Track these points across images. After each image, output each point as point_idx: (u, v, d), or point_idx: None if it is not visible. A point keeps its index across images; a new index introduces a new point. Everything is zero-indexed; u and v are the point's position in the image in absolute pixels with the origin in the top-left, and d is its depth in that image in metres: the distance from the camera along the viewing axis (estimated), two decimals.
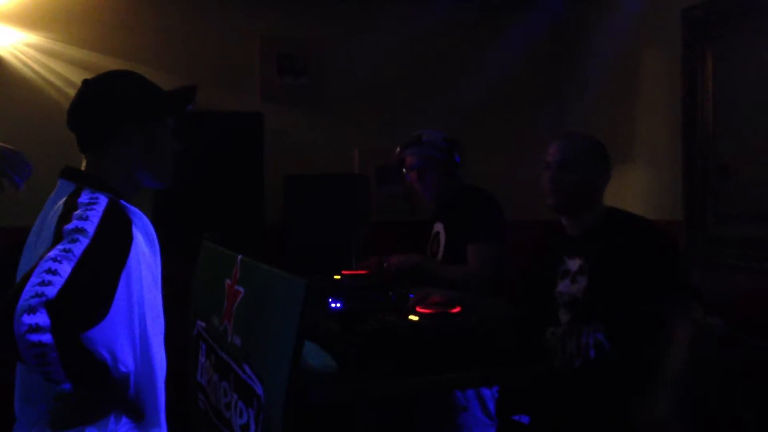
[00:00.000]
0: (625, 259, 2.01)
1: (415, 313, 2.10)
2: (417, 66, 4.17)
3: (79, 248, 1.30)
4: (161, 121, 1.61)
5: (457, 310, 2.11)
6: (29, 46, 3.57)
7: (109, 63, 3.54)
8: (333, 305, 2.28)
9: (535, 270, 2.31)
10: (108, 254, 1.36)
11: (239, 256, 2.01)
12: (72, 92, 1.62)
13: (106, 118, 1.56)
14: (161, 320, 1.55)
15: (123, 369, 1.40)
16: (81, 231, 1.33)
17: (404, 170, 2.98)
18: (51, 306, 1.21)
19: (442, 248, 2.89)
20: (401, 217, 4.05)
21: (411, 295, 2.34)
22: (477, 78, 4.26)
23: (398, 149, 2.97)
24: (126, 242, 1.42)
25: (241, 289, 1.91)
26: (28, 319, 1.20)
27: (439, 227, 2.95)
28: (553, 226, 2.33)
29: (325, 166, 3.84)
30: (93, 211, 1.39)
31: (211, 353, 2.06)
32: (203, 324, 2.19)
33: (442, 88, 4.19)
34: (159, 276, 1.56)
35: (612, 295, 2.02)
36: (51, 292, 1.22)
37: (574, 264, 2.14)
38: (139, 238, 1.47)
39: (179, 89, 1.65)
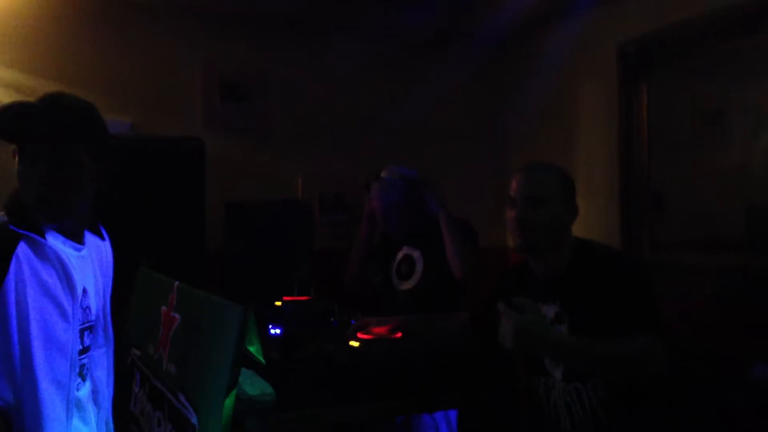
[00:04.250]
0: (602, 302, 1.84)
1: (356, 339, 2.08)
2: (359, 94, 4.20)
3: None
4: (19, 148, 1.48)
5: (398, 336, 2.11)
6: None
7: (42, 85, 3.46)
8: (272, 331, 2.24)
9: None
10: None
11: (176, 283, 1.96)
12: None
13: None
14: (65, 353, 1.48)
15: (0, 403, 1.34)
16: None
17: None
18: None
19: (420, 275, 2.87)
20: (345, 244, 4.03)
21: (353, 321, 2.32)
22: (417, 108, 4.31)
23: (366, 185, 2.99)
24: None
25: (177, 316, 1.87)
26: None
27: (410, 251, 2.93)
28: (517, 266, 2.18)
29: (268, 193, 3.81)
30: None
31: (146, 382, 2.00)
32: (138, 352, 2.13)
33: (383, 116, 4.22)
34: (69, 306, 1.49)
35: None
36: None
37: (549, 311, 1.96)
38: (35, 266, 1.41)
39: None
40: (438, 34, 4.31)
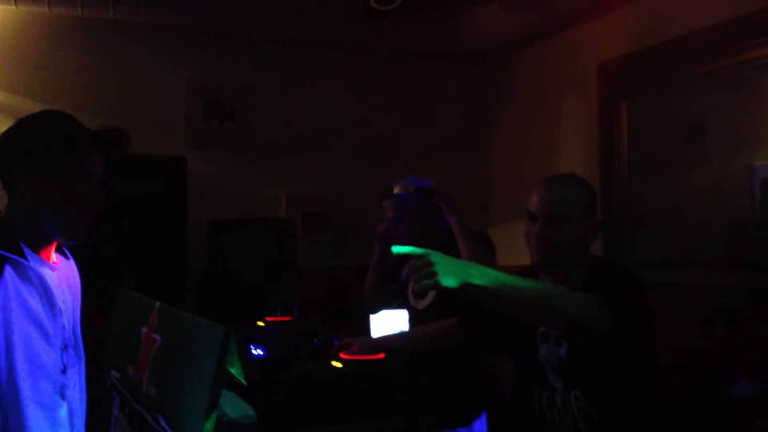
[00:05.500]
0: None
1: (339, 360, 2.07)
2: (343, 112, 4.21)
3: None
4: (67, 167, 1.51)
5: (381, 356, 2.09)
6: None
7: (25, 104, 3.44)
8: (255, 352, 2.23)
9: (505, 316, 2.05)
10: None
11: (157, 303, 1.94)
12: None
13: (4, 159, 1.51)
14: (48, 376, 1.48)
15: None
16: None
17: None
18: None
19: (434, 292, 2.77)
20: (327, 263, 4.03)
21: (335, 342, 2.31)
22: (402, 125, 4.34)
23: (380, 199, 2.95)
24: None
25: (158, 338, 1.84)
26: None
27: None
28: (526, 272, 2.08)
29: (251, 212, 3.80)
30: None
31: (126, 405, 1.97)
32: (117, 374, 2.10)
33: (368, 134, 4.25)
34: (51, 328, 1.50)
35: (592, 357, 1.81)
36: None
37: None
38: (19, 289, 1.40)
39: (98, 132, 1.57)
40: (422, 51, 4.34)
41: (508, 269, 2.25)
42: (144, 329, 1.94)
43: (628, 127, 3.50)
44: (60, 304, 1.59)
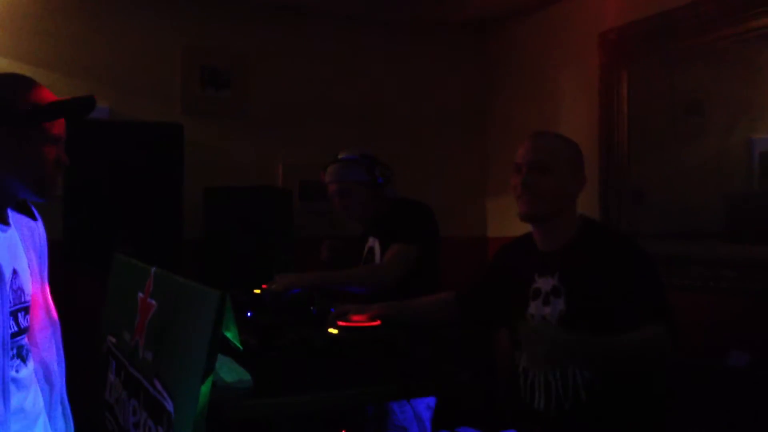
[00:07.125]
0: (603, 282, 1.81)
1: (335, 327, 2.08)
2: (341, 81, 4.18)
3: None
4: (31, 128, 1.53)
5: (377, 323, 2.10)
6: None
7: (22, 70, 3.38)
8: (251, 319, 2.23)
9: (500, 280, 2.11)
10: None
11: (153, 269, 1.94)
12: None
13: None
14: None
15: None
16: None
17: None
18: None
19: (377, 262, 2.78)
20: (324, 233, 4.01)
21: (332, 310, 2.31)
22: (402, 96, 4.30)
23: (322, 173, 2.85)
24: None
25: (154, 303, 1.84)
26: None
27: (373, 242, 2.84)
28: (520, 238, 2.12)
29: (248, 180, 3.78)
30: None
31: (121, 370, 1.98)
32: (113, 339, 2.10)
33: (367, 104, 4.22)
34: None
35: (592, 325, 1.77)
36: None
37: (546, 284, 1.92)
38: None
39: (67, 100, 1.57)
40: (420, 20, 4.29)
41: (503, 241, 2.25)
42: (140, 294, 1.94)
43: (628, 98, 3.48)
44: (10, 266, 1.58)
